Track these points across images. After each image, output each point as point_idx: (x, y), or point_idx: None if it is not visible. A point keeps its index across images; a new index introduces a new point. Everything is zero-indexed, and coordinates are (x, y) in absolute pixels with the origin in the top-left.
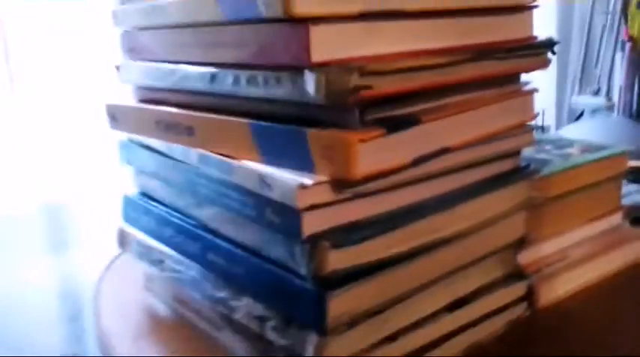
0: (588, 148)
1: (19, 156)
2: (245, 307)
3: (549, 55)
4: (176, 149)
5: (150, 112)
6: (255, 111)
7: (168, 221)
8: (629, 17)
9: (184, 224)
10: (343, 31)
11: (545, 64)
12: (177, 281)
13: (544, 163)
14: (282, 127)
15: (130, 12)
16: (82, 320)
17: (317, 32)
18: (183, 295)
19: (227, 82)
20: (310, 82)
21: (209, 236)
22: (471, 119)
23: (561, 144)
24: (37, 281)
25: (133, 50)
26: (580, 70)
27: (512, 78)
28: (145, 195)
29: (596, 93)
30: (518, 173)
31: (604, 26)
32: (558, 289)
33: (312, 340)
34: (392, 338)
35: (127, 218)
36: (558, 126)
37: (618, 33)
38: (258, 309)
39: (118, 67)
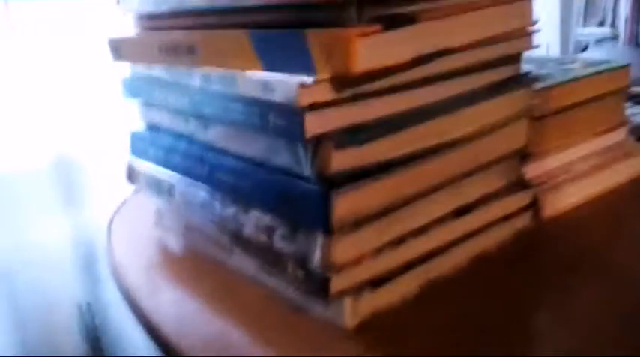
0: (590, 63)
1: (21, 110)
2: (253, 220)
3: None
4: (180, 73)
5: (152, 38)
6: (254, 22)
7: (176, 148)
8: None
9: (191, 148)
10: None
11: None
12: (187, 207)
13: (546, 76)
14: (281, 32)
15: None
16: (96, 267)
17: None
18: (193, 224)
19: None
20: None
21: (216, 156)
22: (469, 21)
23: (564, 61)
24: (50, 236)
25: None
26: (584, 2)
27: None
28: (152, 128)
29: (601, 24)
30: (519, 80)
31: None
32: (563, 200)
33: (318, 241)
34: (399, 241)
35: (136, 152)
36: None
37: None
38: (266, 220)
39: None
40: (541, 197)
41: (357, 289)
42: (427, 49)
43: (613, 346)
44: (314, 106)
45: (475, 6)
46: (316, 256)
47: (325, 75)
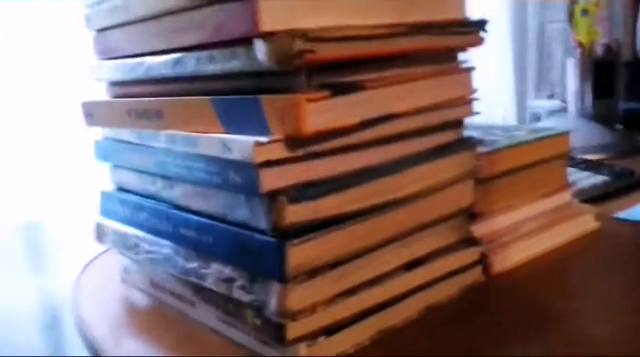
0: (534, 130)
1: None
2: (214, 272)
3: (481, 34)
4: (146, 136)
5: (122, 103)
6: (216, 89)
7: (142, 206)
8: (576, 25)
9: (157, 206)
10: (289, 4)
11: (478, 42)
12: (152, 262)
13: (493, 142)
14: (240, 98)
15: (99, 13)
16: (62, 324)
17: (265, 5)
18: (157, 279)
19: (189, 64)
20: (260, 49)
21: (180, 213)
22: (413, 90)
23: (510, 128)
24: (17, 297)
25: (105, 50)
26: (535, 76)
27: (450, 56)
28: (121, 189)
29: (551, 97)
30: (461, 143)
31: (553, 33)
32: (511, 257)
33: (274, 290)
34: (352, 291)
35: (104, 212)
36: None
37: (567, 40)
38: (226, 272)
39: (92, 68)
40: (490, 254)
41: (312, 337)
42: (373, 114)
43: None
44: (269, 164)
45: (418, 76)
46: (272, 304)
47: (279, 135)
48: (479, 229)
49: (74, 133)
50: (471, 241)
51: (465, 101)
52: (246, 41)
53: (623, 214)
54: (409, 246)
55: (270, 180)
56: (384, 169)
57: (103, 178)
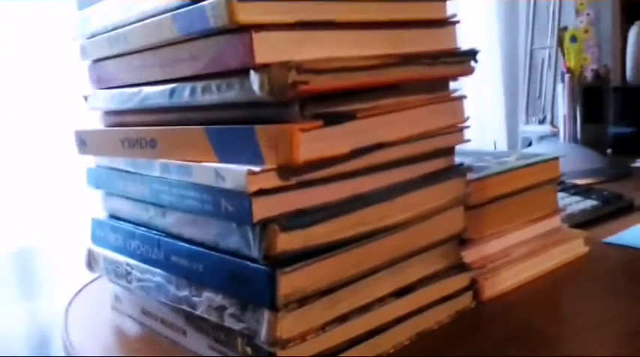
0: (524, 156)
1: None
2: (205, 300)
3: (472, 63)
4: (140, 164)
5: (116, 132)
6: (211, 119)
7: (134, 234)
8: (565, 51)
9: (149, 234)
10: (283, 37)
11: (468, 71)
12: (143, 290)
13: (483, 168)
14: (234, 128)
15: (95, 43)
16: (51, 351)
17: (259, 37)
18: (148, 307)
19: (185, 94)
20: (255, 80)
21: (172, 241)
22: (404, 119)
23: (500, 155)
24: (8, 323)
25: (100, 80)
26: (525, 101)
27: (442, 85)
28: (113, 217)
29: (542, 122)
30: (452, 170)
31: (543, 60)
32: (501, 283)
33: (265, 317)
34: (342, 319)
35: (95, 239)
36: None
37: (557, 66)
38: (218, 300)
39: (86, 97)
40: (480, 280)
41: None
42: (364, 143)
43: None
44: (261, 192)
45: (409, 105)
46: (263, 333)
47: (272, 165)
48: (469, 255)
49: (66, 159)
50: (461, 267)
51: (456, 129)
52: (241, 72)
53: (611, 239)
54: (400, 273)
55: (263, 209)
56: (375, 197)
57: (95, 204)
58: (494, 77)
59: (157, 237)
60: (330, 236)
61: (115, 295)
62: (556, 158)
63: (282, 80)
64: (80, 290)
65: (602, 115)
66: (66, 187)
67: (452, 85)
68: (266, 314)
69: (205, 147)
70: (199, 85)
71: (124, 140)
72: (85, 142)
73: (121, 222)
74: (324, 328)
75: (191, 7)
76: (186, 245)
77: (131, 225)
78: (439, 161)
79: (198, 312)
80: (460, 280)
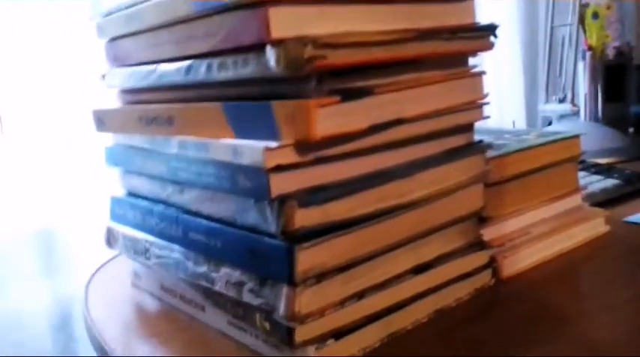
0: (544, 134)
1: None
2: (224, 276)
3: (491, 38)
4: (158, 142)
5: (133, 110)
6: (228, 96)
7: (152, 211)
8: (587, 28)
9: (167, 211)
10: (299, 11)
11: (488, 46)
12: (162, 267)
13: (503, 146)
14: (251, 104)
15: (111, 22)
16: (72, 327)
17: (275, 12)
18: (167, 284)
19: (201, 70)
20: (271, 56)
21: (190, 217)
22: (422, 94)
23: (520, 133)
24: (29, 301)
25: (117, 58)
26: (545, 80)
27: (461, 60)
28: (131, 194)
29: (562, 101)
30: (472, 147)
31: (564, 37)
32: (521, 261)
33: (283, 293)
34: (360, 295)
35: (114, 217)
36: None
37: (578, 43)
38: (236, 275)
39: (103, 75)
40: (499, 258)
41: (321, 340)
42: (382, 118)
43: None
44: (279, 168)
45: (428, 81)
46: (281, 308)
47: (289, 141)
48: (488, 233)
49: (84, 140)
50: (480, 245)
51: (475, 105)
52: (257, 48)
53: (633, 218)
54: (418, 249)
55: (280, 185)
56: (394, 173)
57: (114, 183)
58: (513, 56)
59: (176, 214)
60: (349, 213)
61: (135, 272)
62: (577, 136)
63: (299, 55)
64: (100, 268)
65: (624, 93)
66: (88, 168)
67: (471, 62)
68: (284, 289)
69: (222, 123)
70: (215, 61)
71: (142, 118)
72: (102, 120)
73: (140, 199)
74: (342, 303)
75: None
76: (205, 222)
77: (149, 202)
78: (458, 138)
79: (216, 288)
80: (479, 258)
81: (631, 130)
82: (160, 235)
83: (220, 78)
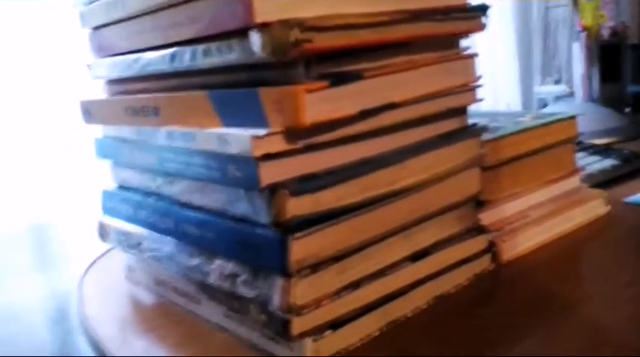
0: (539, 116)
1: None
2: (217, 268)
3: (483, 19)
4: (146, 133)
5: (119, 101)
6: (214, 83)
7: (143, 204)
8: (581, 9)
9: (158, 203)
10: None
11: (480, 27)
12: (155, 260)
13: (498, 129)
14: (237, 91)
15: (94, 10)
16: (67, 321)
17: None
18: (162, 277)
19: (185, 58)
20: (256, 40)
21: (181, 209)
22: (414, 77)
23: (515, 115)
24: (23, 295)
25: (101, 48)
26: (540, 62)
27: (452, 42)
28: (123, 187)
29: (558, 82)
30: (466, 131)
31: (558, 18)
32: (520, 245)
33: (278, 284)
34: (357, 284)
35: (106, 210)
36: None
37: (572, 24)
38: (229, 267)
39: (89, 66)
40: (498, 242)
41: (318, 331)
42: (373, 103)
43: None
44: (268, 157)
45: (419, 63)
46: (276, 299)
47: (278, 128)
48: (486, 217)
49: (76, 133)
50: (478, 230)
51: (468, 88)
52: (241, 33)
53: (633, 198)
54: (414, 236)
55: (270, 173)
56: (387, 159)
57: (105, 176)
58: (506, 38)
59: (167, 206)
60: (341, 201)
61: (129, 265)
62: (573, 117)
63: (284, 39)
64: (94, 262)
65: (620, 73)
66: (80, 163)
67: (464, 44)
68: (278, 281)
69: (209, 112)
70: (200, 48)
71: (128, 109)
72: (90, 112)
73: (131, 192)
74: (338, 293)
75: None
76: (196, 213)
77: (140, 195)
78: (452, 121)
79: (210, 280)
80: (478, 243)
81: (628, 109)
82: (152, 227)
83: (205, 65)
